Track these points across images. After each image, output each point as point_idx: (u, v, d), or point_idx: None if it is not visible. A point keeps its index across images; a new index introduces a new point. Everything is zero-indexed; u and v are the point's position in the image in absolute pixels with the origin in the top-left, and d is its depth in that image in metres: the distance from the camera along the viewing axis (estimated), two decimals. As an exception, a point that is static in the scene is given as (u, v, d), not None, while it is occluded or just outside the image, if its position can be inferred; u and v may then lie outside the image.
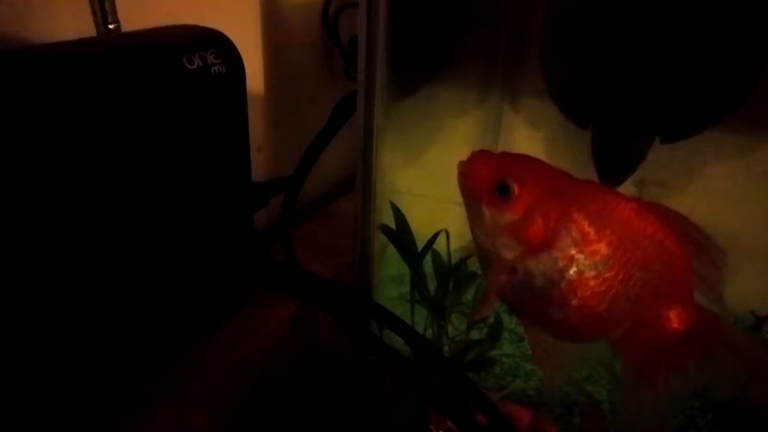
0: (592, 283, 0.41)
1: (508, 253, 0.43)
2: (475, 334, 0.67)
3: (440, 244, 0.63)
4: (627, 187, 0.84)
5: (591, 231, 0.41)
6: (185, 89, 0.46)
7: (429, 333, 0.66)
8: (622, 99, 0.78)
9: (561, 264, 0.41)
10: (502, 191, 0.42)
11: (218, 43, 0.49)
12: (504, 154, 0.45)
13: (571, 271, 0.41)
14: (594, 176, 0.82)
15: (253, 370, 0.60)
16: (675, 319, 0.42)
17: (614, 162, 0.80)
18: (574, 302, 0.42)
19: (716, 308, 0.44)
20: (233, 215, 0.54)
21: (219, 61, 0.47)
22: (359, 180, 0.57)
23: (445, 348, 0.67)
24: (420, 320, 0.66)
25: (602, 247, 0.41)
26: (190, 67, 0.46)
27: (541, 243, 0.42)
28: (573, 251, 0.41)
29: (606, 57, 0.77)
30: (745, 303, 0.84)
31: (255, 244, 0.59)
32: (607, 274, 0.41)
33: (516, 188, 0.42)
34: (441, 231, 0.62)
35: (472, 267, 0.64)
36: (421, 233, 0.64)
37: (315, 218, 0.83)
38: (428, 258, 0.64)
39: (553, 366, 0.45)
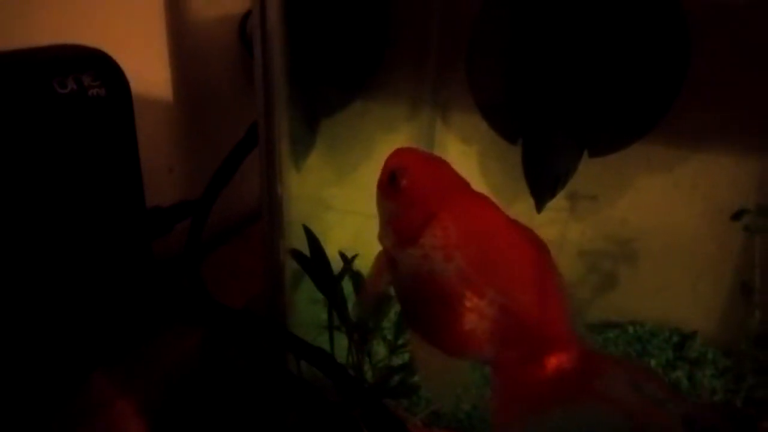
0: (450, 290, 0.41)
1: (386, 241, 0.45)
2: (398, 360, 0.64)
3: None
4: (559, 201, 0.83)
5: (454, 238, 0.41)
6: (57, 114, 0.42)
7: (351, 360, 0.63)
8: (549, 114, 0.77)
9: (424, 262, 0.41)
10: (392, 180, 0.44)
11: (98, 64, 0.45)
12: (420, 153, 0.46)
13: (434, 271, 0.41)
14: (526, 191, 0.81)
15: (156, 403, 0.56)
16: (545, 355, 0.40)
17: (544, 177, 0.79)
18: (437, 307, 0.42)
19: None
20: (126, 244, 0.50)
21: (98, 83, 0.44)
22: (264, 204, 0.54)
23: (369, 375, 0.64)
24: (344, 346, 0.64)
25: (459, 256, 0.40)
26: (61, 90, 0.42)
27: (409, 237, 0.42)
28: (434, 252, 0.41)
29: (532, 71, 0.77)
30: (675, 317, 0.84)
31: (157, 273, 0.55)
32: (467, 289, 0.40)
33: (402, 180, 0.43)
34: (345, 256, 0.60)
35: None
36: (355, 250, 0.63)
37: (236, 241, 0.79)
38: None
39: (430, 377, 0.45)
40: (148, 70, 0.67)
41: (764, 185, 0.73)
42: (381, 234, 0.46)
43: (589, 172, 0.80)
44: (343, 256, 0.62)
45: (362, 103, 0.86)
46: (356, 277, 0.62)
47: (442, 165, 0.45)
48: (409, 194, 0.43)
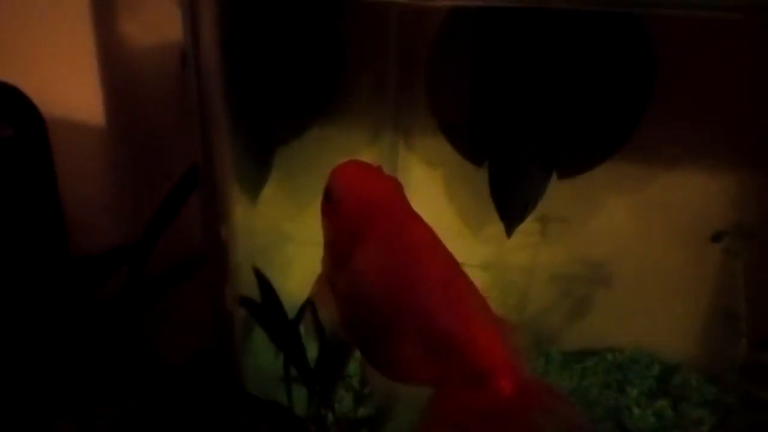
0: (379, 316, 0.38)
1: (324, 264, 0.42)
2: (366, 410, 0.59)
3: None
4: (530, 225, 0.80)
5: (380, 262, 0.39)
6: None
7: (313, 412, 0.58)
8: (515, 134, 0.74)
9: (354, 287, 0.39)
10: (327, 197, 0.41)
11: (5, 101, 0.39)
12: (359, 167, 0.43)
13: (363, 296, 0.39)
14: (495, 215, 0.77)
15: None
16: (480, 382, 0.36)
17: (513, 200, 0.76)
18: (372, 333, 0.40)
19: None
20: (50, 299, 0.44)
21: (2, 123, 0.38)
22: (207, 248, 0.49)
23: (333, 430, 0.59)
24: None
25: (385, 281, 0.38)
26: (-41, 131, 0.36)
27: (340, 260, 0.40)
28: (362, 276, 0.39)
29: (495, 90, 0.74)
30: (653, 342, 0.81)
31: (92, 326, 0.49)
32: (395, 315, 0.38)
33: (334, 199, 0.41)
34: (312, 302, 0.54)
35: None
36: None
37: (185, 286, 0.73)
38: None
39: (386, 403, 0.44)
40: (80, 104, 0.62)
41: (741, 202, 0.71)
42: (323, 257, 0.43)
43: (558, 194, 0.77)
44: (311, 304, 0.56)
45: (319, 130, 0.82)
46: (318, 325, 0.56)
47: (380, 180, 0.42)
48: (341, 214, 0.40)
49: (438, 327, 0.37)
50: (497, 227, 0.78)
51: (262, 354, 0.63)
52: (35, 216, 0.42)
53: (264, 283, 0.53)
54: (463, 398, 0.37)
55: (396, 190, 0.41)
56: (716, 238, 0.61)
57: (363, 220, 0.39)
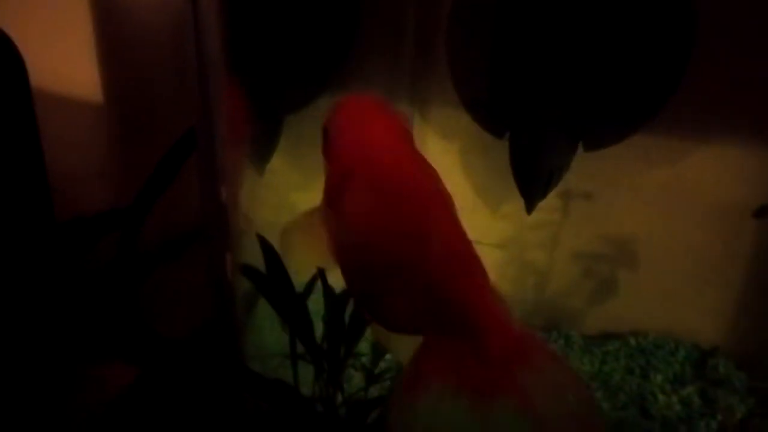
0: (367, 259, 0.37)
1: (322, 198, 0.40)
2: (377, 391, 0.56)
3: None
4: (551, 200, 0.76)
5: (369, 203, 0.36)
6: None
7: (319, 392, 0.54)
8: (539, 105, 0.70)
9: (344, 228, 0.38)
10: (324, 132, 0.40)
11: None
12: (360, 103, 0.40)
13: (352, 238, 0.37)
14: (514, 190, 0.73)
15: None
16: (468, 333, 0.34)
17: (534, 174, 0.72)
18: (360, 278, 0.38)
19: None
20: (31, 263, 0.40)
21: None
22: (206, 213, 0.45)
23: (342, 410, 0.55)
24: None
25: (373, 223, 0.36)
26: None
27: (331, 198, 0.39)
28: (350, 217, 0.37)
29: (520, 59, 0.70)
30: (679, 326, 0.77)
31: (81, 296, 0.46)
32: (381, 258, 0.36)
33: (330, 135, 0.39)
34: (321, 269, 0.51)
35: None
36: None
37: (183, 257, 0.69)
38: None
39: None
40: (73, 65, 0.58)
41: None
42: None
43: (583, 167, 0.73)
44: (322, 273, 0.53)
45: (330, 98, 0.78)
46: (330, 295, 0.53)
47: (380, 118, 0.39)
48: (335, 150, 0.39)
49: (425, 277, 0.35)
50: (516, 203, 0.75)
51: (265, 329, 0.60)
52: (14, 172, 0.39)
53: (269, 252, 0.49)
54: (450, 351, 0.35)
55: (396, 127, 0.38)
56: (760, 213, 0.56)
57: (355, 158, 0.38)
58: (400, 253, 0.35)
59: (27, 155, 0.39)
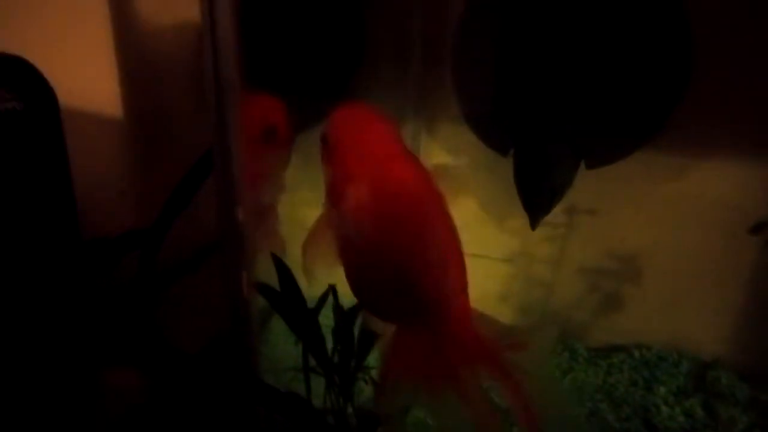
0: (360, 256, 0.41)
1: (324, 204, 0.44)
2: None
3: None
4: (556, 216, 0.77)
5: (367, 203, 0.40)
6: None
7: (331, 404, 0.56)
8: (542, 122, 0.72)
9: (344, 227, 0.41)
10: (323, 140, 0.44)
11: (14, 73, 0.38)
12: (356, 111, 0.45)
13: (350, 236, 0.41)
14: (519, 206, 0.75)
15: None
16: (436, 325, 0.40)
17: (539, 190, 0.73)
18: (356, 272, 0.42)
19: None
20: (58, 282, 0.43)
21: (12, 96, 0.37)
22: (223, 231, 0.47)
23: (352, 421, 0.57)
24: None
25: (369, 223, 0.40)
26: (-31, 105, 0.35)
27: (334, 199, 0.42)
28: (350, 215, 0.41)
29: (523, 77, 0.72)
30: (683, 339, 0.78)
31: (101, 310, 0.48)
32: (374, 255, 0.40)
33: (329, 141, 0.43)
34: (333, 285, 0.53)
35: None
36: (338, 275, 0.55)
37: (200, 273, 0.72)
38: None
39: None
40: (95, 86, 0.61)
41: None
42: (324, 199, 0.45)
43: (586, 184, 0.74)
44: (333, 289, 0.55)
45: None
46: (340, 312, 0.55)
47: (373, 124, 0.43)
48: (333, 156, 0.42)
49: (409, 272, 0.38)
50: (522, 218, 0.76)
51: (279, 343, 0.61)
52: (44, 194, 0.41)
53: (283, 270, 0.51)
54: (417, 338, 0.41)
55: (388, 131, 0.42)
56: (756, 229, 0.58)
57: (352, 162, 0.41)
58: (391, 245, 0.39)
59: (57, 179, 0.41)
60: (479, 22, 0.73)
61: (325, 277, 0.48)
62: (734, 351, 0.75)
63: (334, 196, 0.42)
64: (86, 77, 0.59)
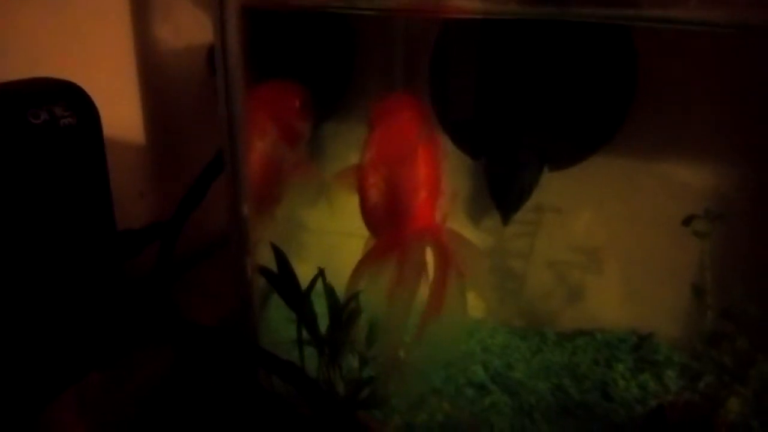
0: (364, 176, 0.59)
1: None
2: (369, 372, 0.66)
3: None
4: (526, 215, 0.86)
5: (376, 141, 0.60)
6: (31, 143, 0.45)
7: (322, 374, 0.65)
8: (508, 131, 0.81)
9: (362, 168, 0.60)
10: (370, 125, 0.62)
11: (69, 95, 0.48)
12: (397, 98, 0.65)
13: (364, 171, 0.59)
14: (492, 205, 0.83)
15: (126, 423, 0.57)
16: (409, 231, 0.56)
17: (508, 191, 0.82)
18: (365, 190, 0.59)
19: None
20: (98, 266, 0.52)
21: (69, 113, 0.47)
22: (232, 224, 0.57)
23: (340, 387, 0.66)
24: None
25: (375, 152, 0.59)
26: (35, 121, 0.45)
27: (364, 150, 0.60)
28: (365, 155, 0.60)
29: (493, 92, 0.80)
30: (641, 323, 0.86)
31: (128, 294, 0.57)
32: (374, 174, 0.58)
33: (371, 122, 0.61)
34: (323, 269, 0.62)
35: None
36: (330, 268, 0.65)
37: (209, 263, 0.81)
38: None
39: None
40: (119, 101, 0.70)
41: (715, 192, 0.76)
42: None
43: (552, 186, 0.83)
44: (321, 272, 0.64)
45: (333, 126, 0.89)
46: (330, 293, 0.64)
47: (403, 101, 0.63)
48: (371, 132, 0.61)
49: (402, 192, 0.55)
50: (496, 217, 0.85)
51: (277, 324, 0.70)
52: (90, 195, 0.51)
53: (280, 256, 0.61)
54: (388, 242, 0.56)
55: (410, 107, 0.61)
56: (686, 222, 0.67)
57: (377, 125, 0.60)
58: (390, 170, 0.56)
59: (100, 181, 0.51)
60: (453, 45, 0.81)
61: (345, 204, 0.64)
62: (684, 332, 0.83)
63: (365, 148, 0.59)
64: (113, 96, 0.69)
